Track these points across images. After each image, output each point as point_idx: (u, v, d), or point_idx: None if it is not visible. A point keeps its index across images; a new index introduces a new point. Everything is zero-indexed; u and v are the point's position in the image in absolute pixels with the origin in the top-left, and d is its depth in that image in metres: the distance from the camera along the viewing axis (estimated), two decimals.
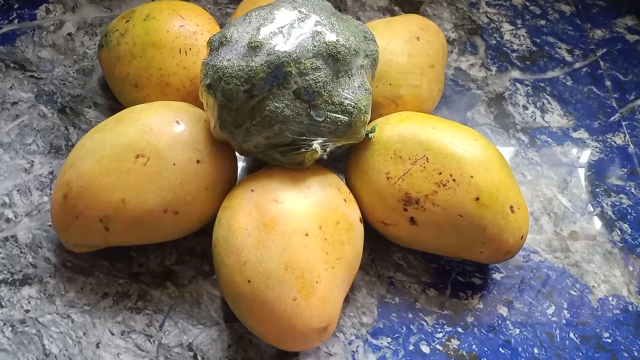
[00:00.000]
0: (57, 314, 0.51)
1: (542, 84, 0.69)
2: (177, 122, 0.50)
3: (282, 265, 0.45)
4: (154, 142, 0.49)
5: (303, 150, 0.47)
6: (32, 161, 0.59)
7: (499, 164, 0.52)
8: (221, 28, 0.59)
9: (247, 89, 0.46)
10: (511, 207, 0.50)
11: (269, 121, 0.46)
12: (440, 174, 0.50)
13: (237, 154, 0.53)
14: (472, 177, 0.50)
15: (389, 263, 0.56)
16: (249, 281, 0.45)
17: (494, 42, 0.72)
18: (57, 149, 0.60)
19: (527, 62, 0.71)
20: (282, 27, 0.47)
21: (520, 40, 0.72)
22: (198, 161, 0.50)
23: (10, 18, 0.69)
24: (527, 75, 0.69)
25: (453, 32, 0.72)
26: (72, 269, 0.53)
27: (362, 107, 0.48)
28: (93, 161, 0.49)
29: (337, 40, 0.47)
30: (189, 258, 0.55)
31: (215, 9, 0.72)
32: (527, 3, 0.76)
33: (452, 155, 0.50)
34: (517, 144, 0.64)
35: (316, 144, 0.47)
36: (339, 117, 0.47)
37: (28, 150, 0.60)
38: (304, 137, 0.47)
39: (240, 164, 0.61)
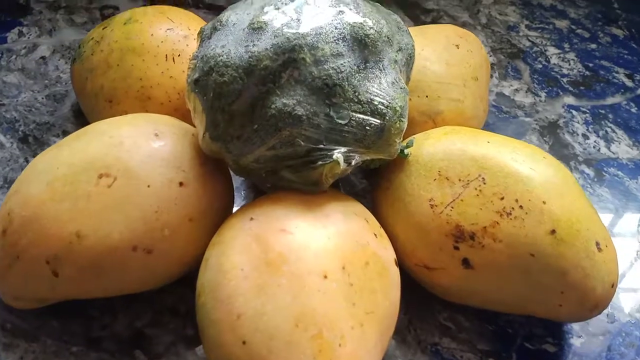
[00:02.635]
0: None
1: (602, 111, 0.57)
2: (156, 135, 0.39)
3: (292, 320, 0.32)
4: (124, 158, 0.37)
5: (320, 162, 0.35)
6: None
7: (575, 188, 0.39)
8: None
9: (246, 82, 0.35)
10: (597, 243, 0.38)
11: (274, 124, 0.34)
12: (502, 199, 0.37)
13: (233, 175, 0.41)
14: (544, 203, 0.37)
15: (432, 325, 0.42)
16: (244, 342, 0.32)
17: (540, 66, 0.61)
18: (12, 183, 0.48)
19: (582, 88, 0.60)
20: (293, 6, 0.36)
21: (570, 65, 0.62)
22: (181, 184, 0.38)
23: None
24: (583, 102, 0.58)
25: (491, 55, 0.62)
26: (12, 332, 0.40)
27: (397, 109, 0.36)
28: (43, 184, 0.37)
29: (364, 21, 0.36)
30: (168, 318, 0.41)
31: (211, 18, 0.61)
32: (573, 27, 0.66)
33: (516, 175, 0.38)
34: (581, 178, 0.52)
35: (338, 154, 0.35)
36: (367, 120, 0.35)
37: None
38: (322, 146, 0.35)
39: (238, 196, 0.49)
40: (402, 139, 0.38)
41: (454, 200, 0.38)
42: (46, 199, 0.36)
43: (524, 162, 0.38)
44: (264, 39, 0.35)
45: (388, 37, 0.37)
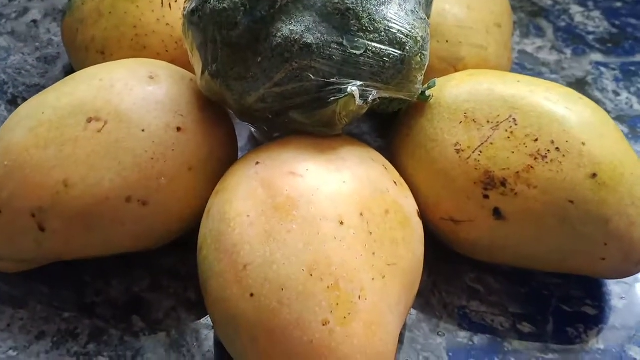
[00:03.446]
0: None
1: (633, 68, 0.53)
2: (151, 77, 0.35)
3: (305, 269, 0.28)
4: (115, 101, 0.33)
5: (333, 98, 0.32)
6: None
7: (616, 130, 0.35)
8: None
9: (248, 8, 0.31)
10: None
11: (281, 54, 0.31)
12: (537, 140, 0.33)
13: (237, 121, 0.37)
14: (583, 144, 0.33)
15: (459, 288, 0.38)
16: (252, 294, 0.28)
17: (563, 24, 0.58)
18: None
19: (609, 45, 0.56)
20: None
21: (595, 22, 0.58)
22: (179, 129, 0.34)
23: None
24: (611, 59, 0.54)
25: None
26: None
27: (418, 39, 0.32)
28: (26, 130, 0.33)
29: None
30: (168, 282, 0.38)
31: None
32: None
33: (551, 115, 0.34)
34: None
35: (353, 87, 0.31)
36: (386, 50, 0.31)
37: None
38: (334, 80, 0.31)
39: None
40: (423, 76, 0.34)
41: (482, 143, 0.34)
42: (30, 145, 0.33)
43: (558, 102, 0.35)
44: None
45: None
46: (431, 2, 0.37)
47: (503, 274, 0.39)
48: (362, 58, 0.31)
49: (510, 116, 0.34)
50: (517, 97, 0.35)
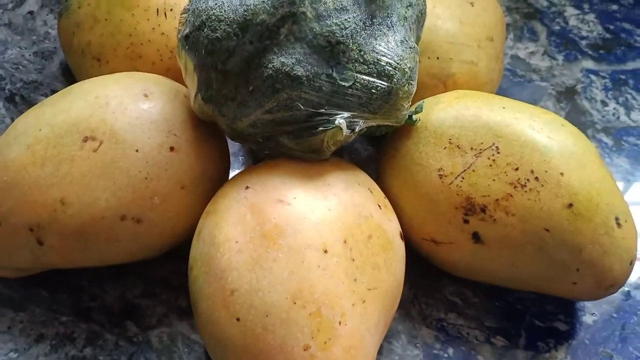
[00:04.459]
0: None
1: (623, 76, 0.54)
2: (145, 95, 0.36)
3: (289, 296, 0.30)
4: (110, 120, 0.34)
5: (321, 128, 0.33)
6: None
7: (596, 157, 0.37)
8: None
9: (241, 38, 0.32)
10: (617, 218, 0.35)
11: (272, 85, 0.32)
12: (517, 169, 0.35)
13: (229, 140, 0.38)
14: (562, 174, 0.34)
15: (438, 300, 0.40)
16: (238, 319, 0.30)
17: (557, 27, 0.58)
18: None
19: (601, 51, 0.56)
20: None
21: (589, 27, 0.58)
22: (172, 148, 0.35)
23: None
24: (602, 66, 0.55)
25: (506, 15, 0.58)
26: None
27: (406, 70, 0.33)
28: (23, 147, 0.35)
29: None
30: (160, 290, 0.39)
31: None
32: None
33: (533, 144, 0.35)
34: (598, 147, 0.49)
35: (340, 119, 0.32)
36: (374, 82, 0.32)
37: None
38: (323, 111, 0.32)
39: (235, 161, 0.46)
40: (410, 103, 0.35)
41: (464, 170, 0.35)
42: (27, 163, 0.34)
43: (541, 130, 0.36)
44: None
45: None
46: (422, 24, 0.38)
47: (481, 288, 0.40)
48: (351, 90, 0.32)
49: (494, 144, 0.35)
50: (501, 124, 0.36)
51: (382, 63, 0.33)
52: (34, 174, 0.34)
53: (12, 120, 0.47)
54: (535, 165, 0.35)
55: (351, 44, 0.32)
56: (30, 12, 0.55)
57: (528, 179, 0.35)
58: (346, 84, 0.32)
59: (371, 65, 0.32)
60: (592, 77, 0.54)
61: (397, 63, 0.33)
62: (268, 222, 0.31)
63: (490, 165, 0.35)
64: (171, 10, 0.42)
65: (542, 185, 0.34)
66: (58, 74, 0.51)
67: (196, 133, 0.36)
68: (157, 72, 0.42)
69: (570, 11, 0.60)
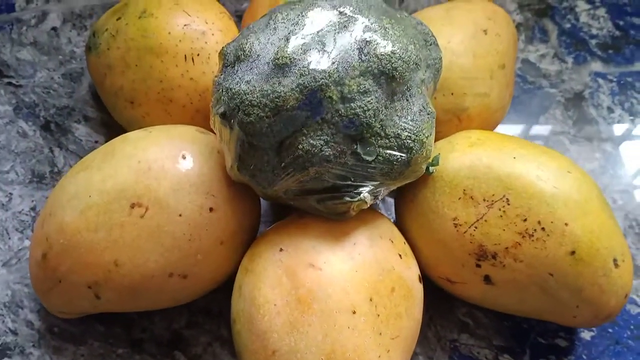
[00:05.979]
0: None
1: (630, 79, 0.56)
2: (183, 156, 0.39)
3: (324, 357, 0.34)
4: (154, 186, 0.38)
5: (347, 198, 0.36)
6: (10, 194, 0.48)
7: (598, 202, 0.40)
8: (237, 24, 0.47)
9: (273, 122, 0.34)
10: (615, 260, 0.39)
11: (302, 163, 0.35)
12: (525, 220, 0.38)
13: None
14: (566, 224, 0.38)
15: (452, 322, 0.45)
16: None
17: (568, 25, 0.59)
18: (40, 177, 0.49)
19: (610, 51, 0.58)
20: (318, 36, 0.35)
21: (599, 23, 0.59)
22: (211, 209, 0.38)
23: None
24: (610, 68, 0.57)
25: (518, 14, 0.59)
26: (60, 336, 0.43)
27: (424, 140, 0.36)
28: (77, 212, 0.38)
29: (392, 52, 0.35)
30: (203, 319, 0.44)
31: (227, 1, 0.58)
32: None
33: (540, 196, 0.38)
34: (602, 157, 0.52)
35: (365, 193, 0.36)
36: (394, 155, 0.35)
37: (5, 180, 0.49)
38: (349, 182, 0.36)
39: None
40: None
41: (477, 220, 0.39)
42: (81, 228, 0.38)
43: (548, 180, 0.39)
44: (290, 76, 0.34)
45: (416, 63, 0.36)
46: (439, 76, 0.40)
47: (491, 310, 0.45)
48: (374, 163, 0.35)
49: (504, 196, 0.39)
50: (511, 176, 0.39)
51: (402, 137, 0.35)
52: (88, 238, 0.38)
53: (51, 150, 0.50)
54: (542, 217, 0.38)
55: (374, 123, 0.34)
56: (54, 29, 0.57)
57: (535, 229, 0.38)
58: (369, 158, 0.35)
59: (392, 139, 0.35)
60: (600, 80, 0.56)
61: (416, 135, 0.36)
62: (302, 287, 0.35)
63: (501, 216, 0.38)
64: (198, 55, 0.44)
65: (548, 235, 0.38)
66: (88, 97, 0.53)
67: (232, 191, 0.39)
68: (188, 115, 0.45)
69: (582, 6, 0.60)
